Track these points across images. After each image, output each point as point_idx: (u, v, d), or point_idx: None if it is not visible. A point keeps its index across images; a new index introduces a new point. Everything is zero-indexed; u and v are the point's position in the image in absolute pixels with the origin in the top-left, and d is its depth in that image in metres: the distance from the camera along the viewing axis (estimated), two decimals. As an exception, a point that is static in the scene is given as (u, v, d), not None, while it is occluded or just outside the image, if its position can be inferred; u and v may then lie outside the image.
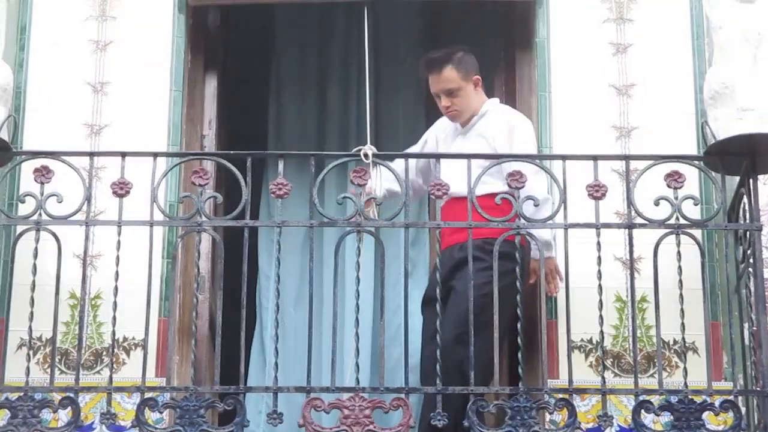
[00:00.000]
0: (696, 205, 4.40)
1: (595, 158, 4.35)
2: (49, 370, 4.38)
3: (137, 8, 5.14)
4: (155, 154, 4.37)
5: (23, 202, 4.34)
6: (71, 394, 4.18)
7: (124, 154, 4.34)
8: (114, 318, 4.21)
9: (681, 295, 4.20)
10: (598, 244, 4.25)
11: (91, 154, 4.42)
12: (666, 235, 4.27)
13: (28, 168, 4.47)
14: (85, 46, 5.10)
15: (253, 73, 6.53)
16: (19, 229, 4.35)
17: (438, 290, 4.24)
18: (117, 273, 4.24)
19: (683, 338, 4.21)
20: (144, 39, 5.10)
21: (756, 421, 4.29)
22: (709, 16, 4.62)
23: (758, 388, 4.20)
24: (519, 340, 4.23)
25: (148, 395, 4.18)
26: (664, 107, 5.00)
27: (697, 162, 4.50)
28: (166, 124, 5.00)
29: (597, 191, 4.29)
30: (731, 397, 4.17)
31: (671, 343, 4.69)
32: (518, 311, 4.23)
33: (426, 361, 4.64)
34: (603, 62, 5.07)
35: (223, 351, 4.20)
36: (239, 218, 4.26)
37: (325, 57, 6.18)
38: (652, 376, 4.65)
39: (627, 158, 4.49)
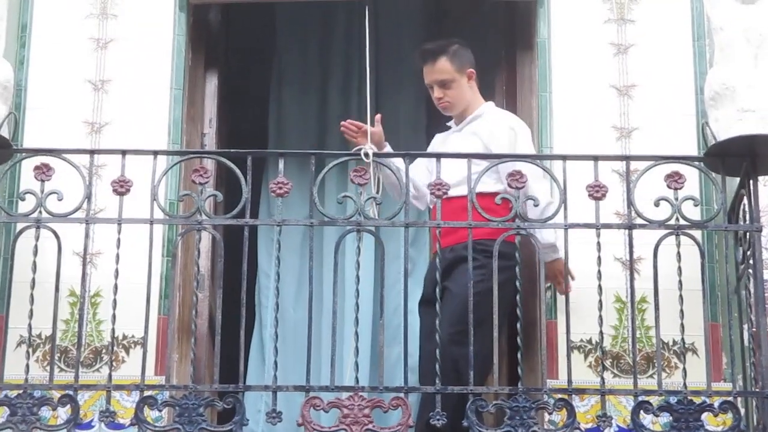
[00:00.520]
0: (696, 206, 4.40)
1: (595, 158, 4.35)
2: (48, 368, 4.37)
3: (138, 6, 5.14)
4: (155, 152, 4.37)
5: (23, 199, 4.33)
6: (70, 392, 4.18)
7: (124, 152, 4.34)
8: (113, 316, 4.21)
9: (681, 296, 4.19)
10: (598, 244, 4.25)
11: (92, 152, 4.42)
12: (666, 235, 4.27)
13: (28, 165, 4.47)
14: (86, 44, 5.09)
15: (253, 71, 6.54)
16: (19, 226, 4.34)
17: (437, 290, 4.23)
18: (117, 271, 4.24)
19: (683, 339, 4.21)
20: (145, 37, 5.09)
21: (755, 423, 4.29)
22: (710, 17, 4.62)
23: (757, 390, 4.19)
24: (518, 340, 4.23)
25: (147, 393, 4.17)
26: (665, 108, 4.99)
27: (697, 163, 4.49)
28: (166, 122, 5.00)
29: (597, 191, 4.28)
30: (730, 398, 4.16)
31: (671, 343, 4.69)
32: (518, 311, 4.23)
33: (421, 361, 4.65)
34: (604, 63, 5.06)
35: (222, 349, 4.19)
36: (239, 217, 4.26)
37: (326, 55, 6.18)
38: (651, 376, 4.64)
39: (627, 159, 4.49)
